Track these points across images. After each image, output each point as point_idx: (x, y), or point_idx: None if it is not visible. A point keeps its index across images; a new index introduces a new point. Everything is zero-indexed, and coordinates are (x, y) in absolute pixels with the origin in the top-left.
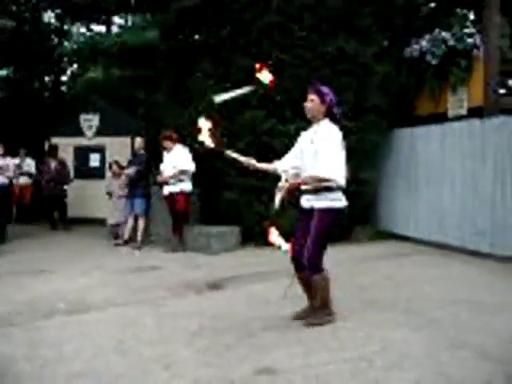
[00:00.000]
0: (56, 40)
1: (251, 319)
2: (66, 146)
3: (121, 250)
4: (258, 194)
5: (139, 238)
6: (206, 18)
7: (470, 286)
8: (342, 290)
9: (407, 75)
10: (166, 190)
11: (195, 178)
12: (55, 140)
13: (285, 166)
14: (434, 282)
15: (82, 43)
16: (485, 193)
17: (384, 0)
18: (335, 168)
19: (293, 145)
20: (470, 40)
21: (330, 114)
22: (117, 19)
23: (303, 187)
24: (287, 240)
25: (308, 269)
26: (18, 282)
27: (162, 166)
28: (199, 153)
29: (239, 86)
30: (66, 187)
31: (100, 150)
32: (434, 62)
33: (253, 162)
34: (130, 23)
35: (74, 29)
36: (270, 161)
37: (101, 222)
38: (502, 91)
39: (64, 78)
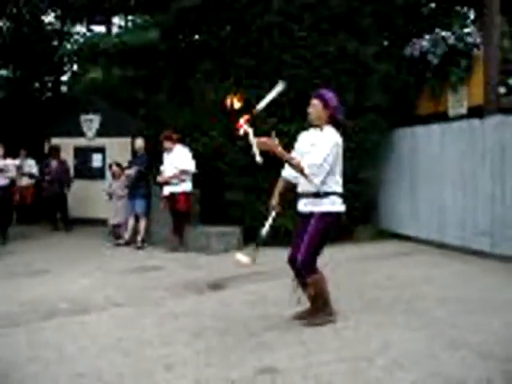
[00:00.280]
0: (56, 41)
1: (252, 319)
2: (66, 147)
3: (122, 250)
4: (259, 193)
5: (140, 238)
6: (206, 18)
7: (470, 285)
8: (343, 289)
9: (407, 74)
10: (167, 190)
11: (196, 178)
12: (56, 141)
13: (285, 177)
14: (435, 282)
15: (82, 44)
16: (485, 192)
17: None
18: (321, 176)
19: (293, 145)
20: (470, 39)
21: (333, 120)
22: (117, 20)
23: (300, 191)
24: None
25: (301, 270)
26: (20, 282)
27: (163, 167)
28: (199, 153)
29: (238, 85)
30: (67, 188)
31: (100, 150)
32: (434, 61)
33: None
34: (130, 24)
35: (75, 29)
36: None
37: (102, 223)
38: (502, 91)
39: (64, 79)
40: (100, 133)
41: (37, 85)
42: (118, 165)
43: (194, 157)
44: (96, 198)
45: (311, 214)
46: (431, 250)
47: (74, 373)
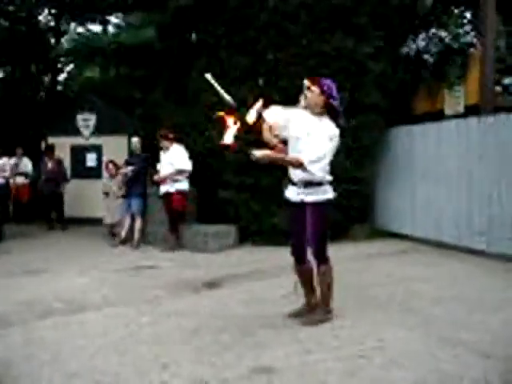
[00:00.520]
0: (52, 39)
1: (248, 318)
2: (62, 146)
3: (118, 249)
4: (254, 192)
5: (136, 237)
6: (203, 17)
7: (466, 284)
8: (340, 288)
9: (404, 73)
10: (163, 189)
11: (192, 177)
12: (52, 140)
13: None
14: (432, 281)
15: (78, 43)
16: (481, 191)
17: None
18: (316, 164)
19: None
20: (466, 39)
21: (329, 107)
22: (113, 18)
23: (293, 178)
24: None
25: (317, 260)
26: (15, 281)
27: (159, 166)
28: (196, 151)
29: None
30: (62, 187)
31: (97, 149)
32: (430, 60)
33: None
34: (126, 22)
35: (71, 28)
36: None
37: (98, 222)
38: (497, 89)
39: (60, 78)
40: (96, 132)
41: (33, 84)
42: (114, 163)
43: (191, 155)
44: (92, 196)
45: (302, 203)
46: (428, 249)
47: (69, 372)
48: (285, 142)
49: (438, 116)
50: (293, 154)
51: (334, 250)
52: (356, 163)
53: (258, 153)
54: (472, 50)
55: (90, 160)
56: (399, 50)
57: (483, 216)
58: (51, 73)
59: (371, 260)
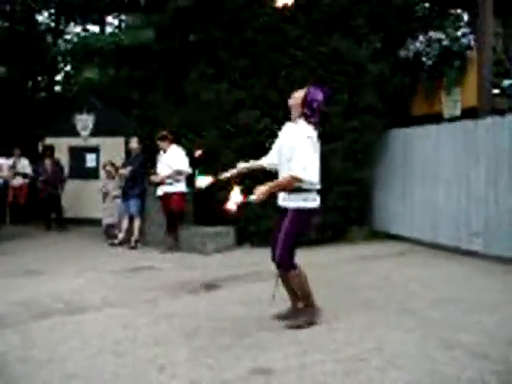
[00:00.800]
0: (50, 40)
1: (246, 319)
2: (60, 147)
3: (116, 250)
4: (252, 193)
5: (134, 238)
6: (201, 19)
7: (463, 285)
8: (337, 290)
9: (402, 75)
10: (161, 190)
11: (190, 178)
12: (50, 140)
13: (265, 162)
14: (429, 282)
15: (76, 43)
16: (478, 193)
17: (379, 0)
18: (308, 169)
19: None
20: (464, 41)
21: (303, 113)
22: (111, 19)
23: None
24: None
25: (279, 267)
26: (13, 282)
27: (158, 167)
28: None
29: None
30: (61, 187)
31: (95, 150)
32: (428, 62)
33: (241, 165)
34: (124, 23)
35: (69, 28)
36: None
37: (96, 223)
38: (495, 92)
39: (58, 78)
40: (94, 133)
41: (31, 84)
42: (113, 164)
43: (189, 157)
44: (90, 197)
45: (286, 210)
46: (425, 251)
47: (67, 373)
48: None
49: (436, 118)
50: (282, 166)
51: (331, 252)
52: (354, 165)
53: (253, 196)
54: (470, 52)
55: (89, 161)
56: (397, 52)
57: (480, 218)
58: (49, 73)
59: (369, 262)
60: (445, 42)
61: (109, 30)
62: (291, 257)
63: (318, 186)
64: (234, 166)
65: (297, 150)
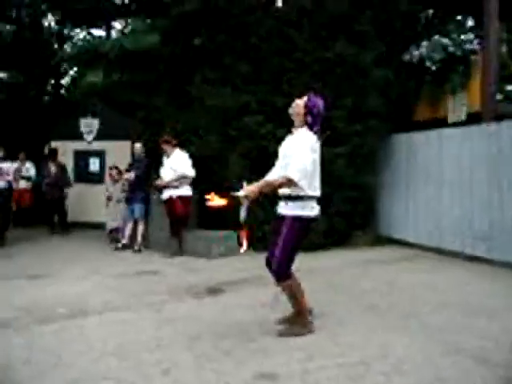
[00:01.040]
0: (56, 44)
1: (251, 324)
2: (65, 150)
3: (120, 254)
4: (256, 198)
5: (138, 242)
6: (206, 23)
7: (468, 290)
8: (341, 294)
9: (406, 80)
10: (166, 193)
11: (194, 182)
12: (55, 144)
13: (271, 178)
14: (433, 287)
15: (81, 47)
16: (482, 198)
17: (383, 6)
18: (302, 173)
19: None
20: (468, 46)
21: (305, 121)
22: (117, 24)
23: (280, 192)
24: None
25: (274, 276)
26: (17, 286)
27: (162, 171)
28: (197, 157)
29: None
30: (65, 191)
31: (100, 154)
32: (433, 67)
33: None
34: (129, 28)
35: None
36: (269, 166)
37: (100, 226)
38: (499, 97)
39: (64, 82)
40: (99, 136)
41: (37, 88)
42: (117, 168)
43: (193, 160)
44: (95, 201)
45: (283, 217)
46: (429, 256)
47: (70, 377)
48: None
49: (441, 123)
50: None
51: (335, 257)
52: (358, 169)
53: (239, 192)
54: (474, 57)
55: (93, 165)
56: (402, 56)
57: (484, 222)
58: (55, 77)
59: (373, 266)
60: (449, 47)
61: (114, 34)
62: (289, 267)
63: (317, 194)
64: (239, 172)
65: (294, 156)
